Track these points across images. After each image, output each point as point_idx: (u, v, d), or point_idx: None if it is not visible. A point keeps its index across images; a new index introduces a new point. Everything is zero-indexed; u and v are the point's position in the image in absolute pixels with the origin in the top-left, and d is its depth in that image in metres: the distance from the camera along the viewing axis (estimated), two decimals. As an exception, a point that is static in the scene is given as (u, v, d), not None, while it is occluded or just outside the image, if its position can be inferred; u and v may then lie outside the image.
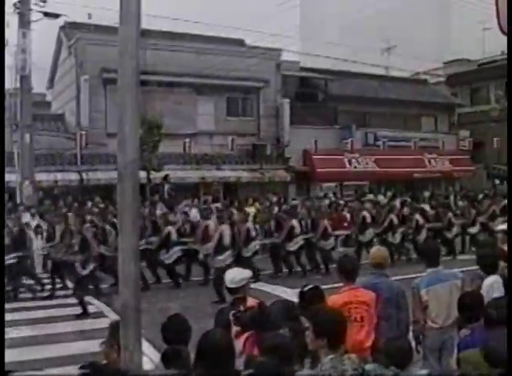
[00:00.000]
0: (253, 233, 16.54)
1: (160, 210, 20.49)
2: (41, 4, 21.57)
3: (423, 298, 6.71)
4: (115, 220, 14.47)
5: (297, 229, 17.53)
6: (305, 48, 46.38)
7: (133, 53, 3.91)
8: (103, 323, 9.33)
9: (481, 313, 5.41)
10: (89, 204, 20.96)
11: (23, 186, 21.17)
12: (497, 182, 36.71)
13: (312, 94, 33.11)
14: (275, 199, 25.25)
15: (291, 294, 10.50)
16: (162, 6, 52.36)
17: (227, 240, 14.96)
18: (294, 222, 17.59)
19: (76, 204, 20.68)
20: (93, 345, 5.91)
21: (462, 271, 7.68)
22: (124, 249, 3.91)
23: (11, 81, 22.72)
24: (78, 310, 12.58)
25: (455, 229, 20.46)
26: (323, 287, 6.03)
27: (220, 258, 14.73)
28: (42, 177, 23.20)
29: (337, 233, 18.76)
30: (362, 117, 34.62)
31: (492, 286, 6.74)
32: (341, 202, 23.99)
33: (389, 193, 29.27)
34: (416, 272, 8.74)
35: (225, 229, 15.17)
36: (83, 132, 25.11)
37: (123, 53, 3.91)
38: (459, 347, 5.39)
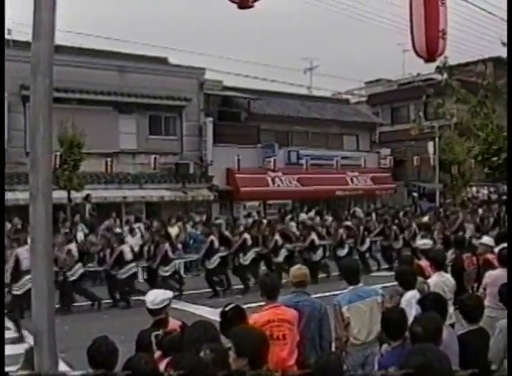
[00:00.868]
0: (170, 253, 16.74)
1: (81, 231, 20.13)
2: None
3: (345, 315, 6.75)
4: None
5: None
6: (228, 68, 46.70)
7: (46, 71, 3.78)
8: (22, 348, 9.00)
9: (404, 330, 5.48)
10: (8, 225, 20.30)
11: None
12: (415, 194, 37.72)
13: (235, 113, 33.23)
14: (198, 218, 25.23)
15: (214, 314, 10.42)
16: (84, 23, 51.79)
17: (128, 256, 15.93)
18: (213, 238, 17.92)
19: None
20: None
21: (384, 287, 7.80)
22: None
23: None
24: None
25: (366, 246, 21.16)
26: (246, 305, 6.00)
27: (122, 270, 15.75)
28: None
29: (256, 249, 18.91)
30: (285, 135, 34.91)
31: (410, 301, 6.87)
32: (265, 221, 24.11)
33: (311, 212, 29.63)
34: (337, 289, 8.81)
35: (125, 247, 16.22)
36: (0, 151, 24.36)
37: (35, 70, 3.77)
38: (379, 363, 5.44)
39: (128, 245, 16.83)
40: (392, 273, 8.65)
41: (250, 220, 24.68)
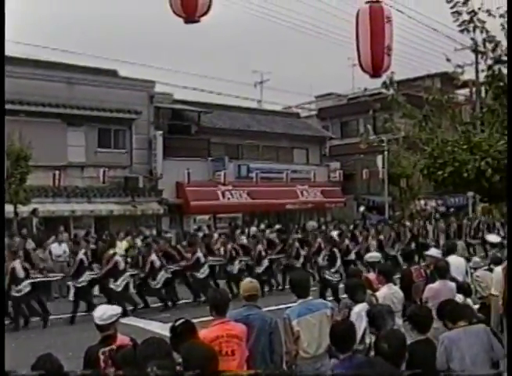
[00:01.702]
0: (121, 266, 16.56)
1: (28, 246, 19.75)
2: None
3: (295, 328, 6.75)
4: None
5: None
6: (179, 81, 46.66)
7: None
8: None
9: (352, 342, 5.53)
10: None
11: None
12: (361, 209, 38.12)
13: (185, 126, 33.12)
14: (148, 232, 25.04)
15: (164, 329, 10.33)
16: (32, 34, 51.12)
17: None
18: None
19: None
20: None
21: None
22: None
23: None
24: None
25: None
26: (197, 320, 5.97)
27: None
28: None
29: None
30: (235, 149, 34.96)
31: (359, 314, 6.93)
32: (215, 234, 24.09)
33: (262, 225, 29.69)
34: (287, 303, 8.82)
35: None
36: None
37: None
38: (329, 376, 5.47)
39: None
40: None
41: (200, 234, 24.58)
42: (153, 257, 17.43)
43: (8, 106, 22.03)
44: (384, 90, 8.46)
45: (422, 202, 39.42)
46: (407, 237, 25.72)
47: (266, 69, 58.22)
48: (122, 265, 16.75)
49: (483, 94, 9.02)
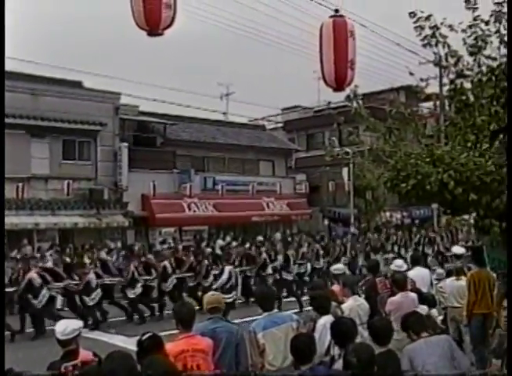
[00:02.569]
0: (94, 282, 16.52)
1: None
2: None
3: (260, 341, 6.74)
4: None
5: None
6: (144, 93, 46.51)
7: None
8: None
9: (312, 355, 5.54)
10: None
11: None
12: (325, 222, 38.34)
13: (151, 138, 32.98)
14: (113, 245, 24.86)
15: (130, 343, 10.24)
16: (-6, 46, 50.62)
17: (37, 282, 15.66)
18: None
19: None
20: None
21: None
22: None
23: None
24: None
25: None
26: (163, 333, 5.93)
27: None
28: None
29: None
30: (201, 161, 34.89)
31: (325, 326, 6.94)
32: (180, 247, 24.00)
33: (228, 237, 29.68)
34: (254, 315, 8.82)
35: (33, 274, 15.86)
36: None
37: None
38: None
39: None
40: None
41: (165, 246, 24.49)
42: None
43: (-30, 118, 21.76)
44: (348, 103, 8.54)
45: (387, 214, 39.77)
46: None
47: (232, 81, 58.33)
48: (94, 282, 16.70)
49: (447, 107, 9.14)
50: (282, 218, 36.79)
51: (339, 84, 6.67)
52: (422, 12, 8.09)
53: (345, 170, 35.58)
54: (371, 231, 33.73)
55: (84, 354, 5.82)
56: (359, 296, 9.00)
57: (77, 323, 6.08)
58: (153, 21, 5.87)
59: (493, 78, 8.05)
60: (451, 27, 8.08)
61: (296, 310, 15.30)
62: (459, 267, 11.60)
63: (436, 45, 8.20)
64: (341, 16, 6.69)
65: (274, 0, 27.88)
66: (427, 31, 8.14)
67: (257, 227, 35.92)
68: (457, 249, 14.12)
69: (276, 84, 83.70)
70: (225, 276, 17.26)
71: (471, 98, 8.29)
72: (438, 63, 8.66)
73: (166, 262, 18.63)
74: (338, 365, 5.77)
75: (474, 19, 8.10)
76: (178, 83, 62.14)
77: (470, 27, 8.11)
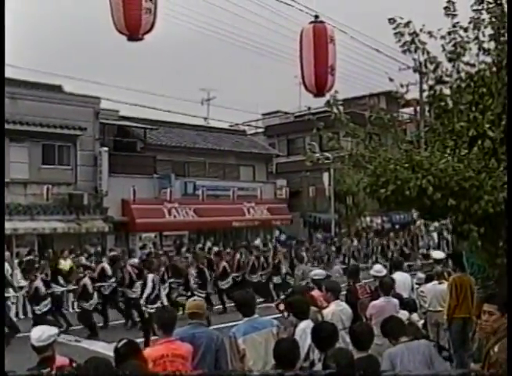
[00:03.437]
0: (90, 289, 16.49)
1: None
2: None
3: (240, 346, 6.73)
4: None
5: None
6: (125, 97, 46.36)
7: None
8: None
9: (296, 360, 5.54)
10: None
11: None
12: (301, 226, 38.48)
13: (131, 143, 32.83)
14: (92, 250, 24.73)
15: (109, 349, 10.18)
16: (-27, 49, 50.20)
17: None
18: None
19: None
20: None
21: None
22: None
23: None
24: None
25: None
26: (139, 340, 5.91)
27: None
28: None
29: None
30: (182, 166, 34.78)
31: (304, 331, 6.95)
32: (160, 252, 23.92)
33: (208, 243, 29.63)
34: (234, 320, 8.80)
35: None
36: None
37: None
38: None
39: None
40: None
41: (145, 251, 24.39)
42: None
43: None
44: (328, 109, 8.56)
45: (368, 219, 39.94)
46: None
47: (213, 86, 58.34)
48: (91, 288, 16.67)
49: (427, 113, 9.20)
50: (262, 224, 36.78)
51: (319, 89, 6.70)
52: (401, 18, 8.14)
53: (326, 175, 35.74)
54: (352, 236, 33.87)
55: (61, 360, 5.79)
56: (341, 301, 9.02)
57: (52, 330, 6.04)
58: (133, 26, 5.85)
59: (472, 85, 8.12)
60: (430, 34, 8.14)
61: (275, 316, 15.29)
62: (439, 271, 11.68)
63: (415, 51, 8.24)
64: (321, 21, 6.72)
65: (256, 6, 27.94)
66: (407, 38, 8.19)
67: (238, 232, 35.92)
68: (437, 254, 14.22)
69: (257, 89, 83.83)
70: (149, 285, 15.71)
71: (450, 104, 8.35)
72: (418, 69, 8.71)
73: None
74: (317, 369, 5.79)
75: (453, 26, 8.17)
76: (158, 88, 62.00)
77: (449, 33, 8.17)
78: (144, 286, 15.60)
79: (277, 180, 40.21)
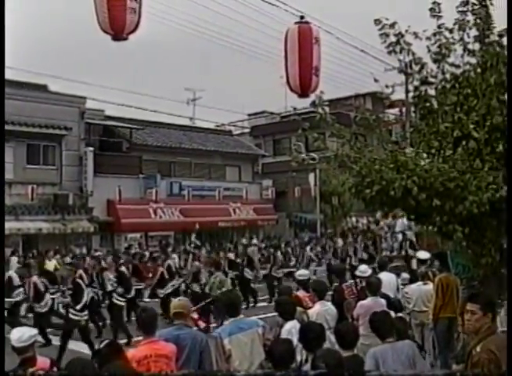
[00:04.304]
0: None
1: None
2: None
3: (226, 347, 6.70)
4: None
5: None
6: (110, 97, 46.21)
7: None
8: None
9: (291, 361, 5.53)
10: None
11: None
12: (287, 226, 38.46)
13: (117, 143, 32.73)
14: (78, 251, 24.60)
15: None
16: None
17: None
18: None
19: None
20: None
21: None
22: None
23: None
24: None
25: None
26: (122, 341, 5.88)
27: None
28: None
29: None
30: (167, 166, 34.74)
31: (290, 331, 6.95)
32: (146, 253, 23.81)
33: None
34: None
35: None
36: None
37: None
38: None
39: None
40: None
41: (132, 251, 24.26)
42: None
43: None
44: (314, 109, 8.57)
45: (353, 219, 39.98)
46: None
47: (199, 86, 58.18)
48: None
49: (412, 114, 9.23)
50: (248, 224, 36.79)
51: (303, 90, 6.70)
52: (387, 19, 8.16)
53: (311, 175, 35.75)
54: (337, 236, 33.81)
55: (42, 361, 5.75)
56: (327, 301, 9.01)
57: (33, 331, 6.02)
58: (118, 25, 5.83)
59: (457, 85, 8.15)
60: (415, 35, 8.16)
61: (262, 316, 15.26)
62: (424, 272, 11.69)
63: (401, 52, 8.27)
64: (307, 22, 6.72)
65: (241, 6, 27.95)
66: (392, 38, 8.21)
67: (224, 232, 35.89)
68: (422, 254, 14.22)
69: (243, 89, 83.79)
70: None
71: (435, 105, 8.38)
72: (403, 70, 8.74)
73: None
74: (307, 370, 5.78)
75: (438, 27, 8.19)
76: (144, 88, 61.84)
77: (434, 34, 8.19)
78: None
79: (263, 180, 40.23)
